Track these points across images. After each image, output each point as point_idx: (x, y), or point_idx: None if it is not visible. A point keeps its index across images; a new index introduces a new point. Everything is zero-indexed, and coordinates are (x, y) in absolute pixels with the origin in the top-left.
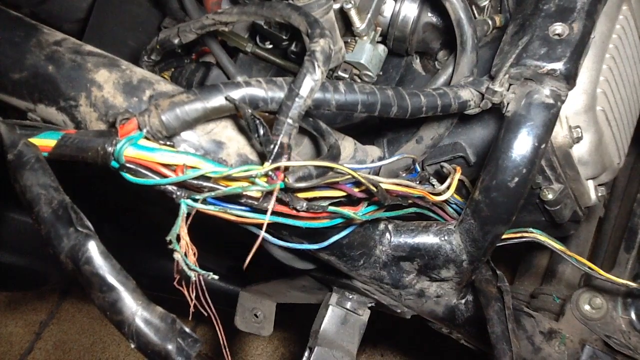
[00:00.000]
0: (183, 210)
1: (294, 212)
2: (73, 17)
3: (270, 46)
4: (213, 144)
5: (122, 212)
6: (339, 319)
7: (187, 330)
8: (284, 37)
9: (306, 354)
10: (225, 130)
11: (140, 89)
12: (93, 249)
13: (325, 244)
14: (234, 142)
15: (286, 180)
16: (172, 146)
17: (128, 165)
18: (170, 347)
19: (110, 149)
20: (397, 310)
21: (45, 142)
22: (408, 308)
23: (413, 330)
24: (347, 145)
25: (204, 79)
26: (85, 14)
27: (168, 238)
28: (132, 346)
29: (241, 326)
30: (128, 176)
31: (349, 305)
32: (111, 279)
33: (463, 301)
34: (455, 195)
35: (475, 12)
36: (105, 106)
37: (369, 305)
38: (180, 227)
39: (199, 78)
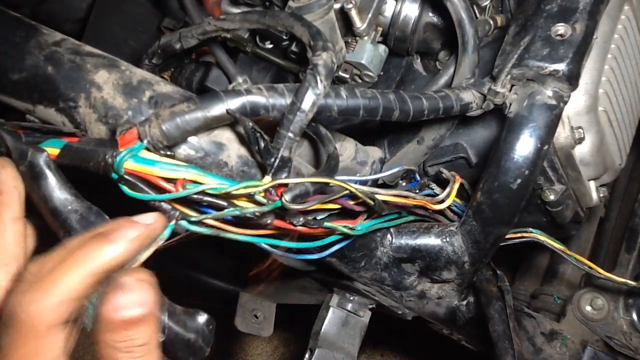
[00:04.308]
0: (166, 233)
1: (290, 227)
2: (73, 17)
3: (271, 46)
4: (213, 146)
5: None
6: (340, 321)
7: None
8: (284, 37)
9: (307, 355)
10: (225, 132)
11: (140, 90)
12: None
13: (326, 253)
14: (234, 143)
15: (283, 200)
16: (173, 156)
17: (126, 177)
18: None
19: (110, 161)
20: (398, 311)
21: (50, 150)
22: (409, 309)
23: (414, 331)
24: (348, 146)
25: (204, 79)
26: (85, 14)
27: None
28: None
29: (241, 327)
30: (125, 189)
31: (349, 306)
32: None
33: (464, 302)
34: (456, 199)
35: (477, 12)
36: (104, 107)
37: (370, 306)
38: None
39: (198, 78)
